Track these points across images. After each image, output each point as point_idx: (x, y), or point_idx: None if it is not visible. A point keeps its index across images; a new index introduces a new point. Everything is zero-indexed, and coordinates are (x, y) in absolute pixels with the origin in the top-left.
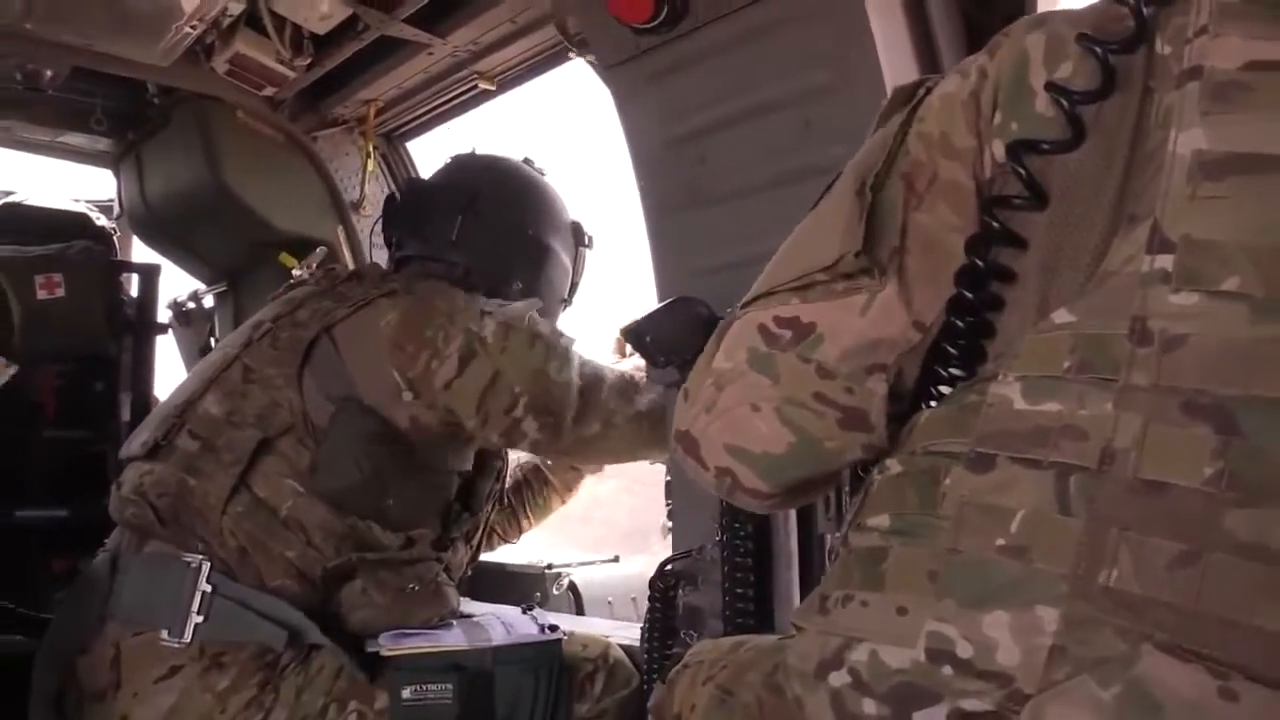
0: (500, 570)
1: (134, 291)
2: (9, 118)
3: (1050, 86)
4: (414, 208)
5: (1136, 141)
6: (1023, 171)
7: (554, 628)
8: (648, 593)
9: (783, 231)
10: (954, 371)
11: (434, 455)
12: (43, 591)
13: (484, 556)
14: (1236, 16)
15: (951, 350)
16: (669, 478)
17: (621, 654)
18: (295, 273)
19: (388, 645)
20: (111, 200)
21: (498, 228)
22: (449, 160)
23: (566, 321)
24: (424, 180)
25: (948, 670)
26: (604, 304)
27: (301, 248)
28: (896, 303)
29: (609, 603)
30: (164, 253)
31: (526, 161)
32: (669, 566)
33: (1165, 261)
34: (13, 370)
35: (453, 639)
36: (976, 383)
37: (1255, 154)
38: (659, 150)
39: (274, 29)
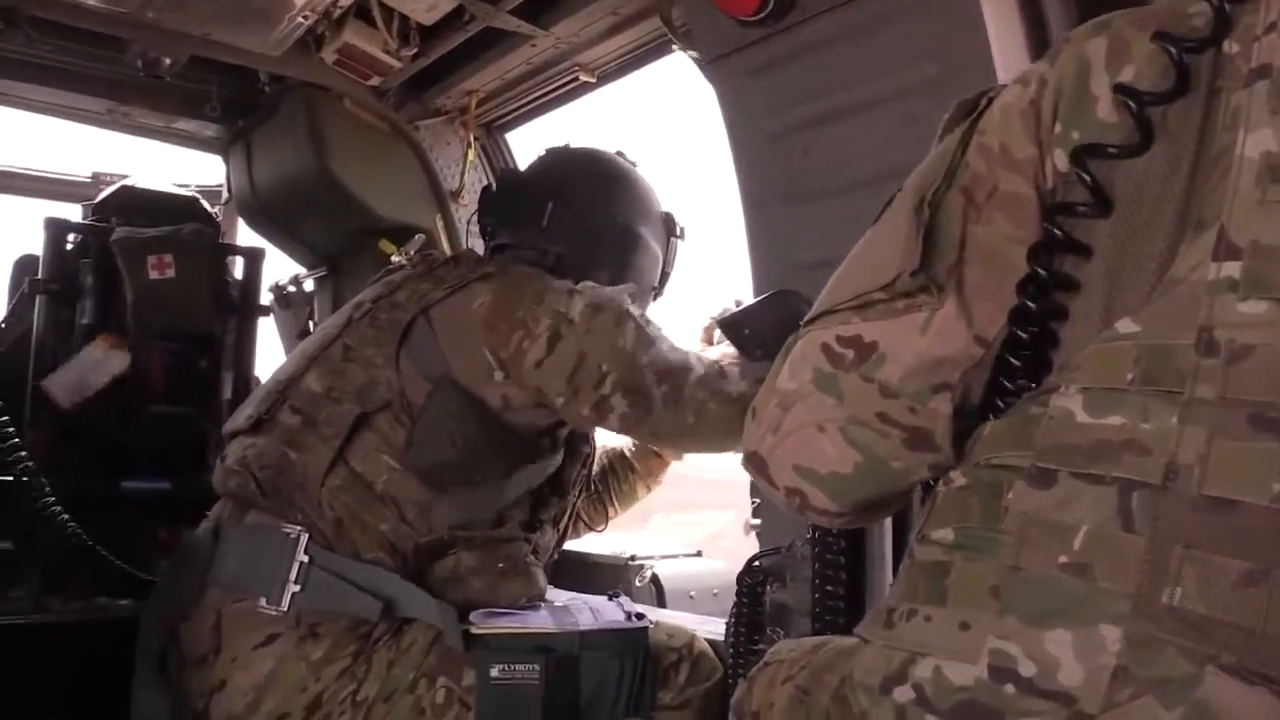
0: (584, 560)
1: (238, 274)
2: (129, 103)
3: (1119, 88)
4: (507, 198)
5: (1203, 144)
6: (1087, 177)
7: (640, 616)
8: (731, 588)
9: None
10: (1019, 383)
11: (525, 436)
12: (147, 560)
13: (568, 545)
14: None
15: (1015, 362)
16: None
17: (706, 646)
18: (394, 259)
19: (477, 624)
20: (218, 185)
21: (587, 216)
22: (543, 152)
23: (656, 311)
24: (517, 171)
25: (1010, 689)
26: (692, 295)
27: (400, 235)
28: (957, 319)
29: (691, 596)
30: (268, 237)
31: (619, 154)
32: (757, 562)
33: (1232, 269)
34: (126, 361)
35: (541, 621)
36: (1039, 394)
37: None
38: (761, 144)
39: (382, 20)
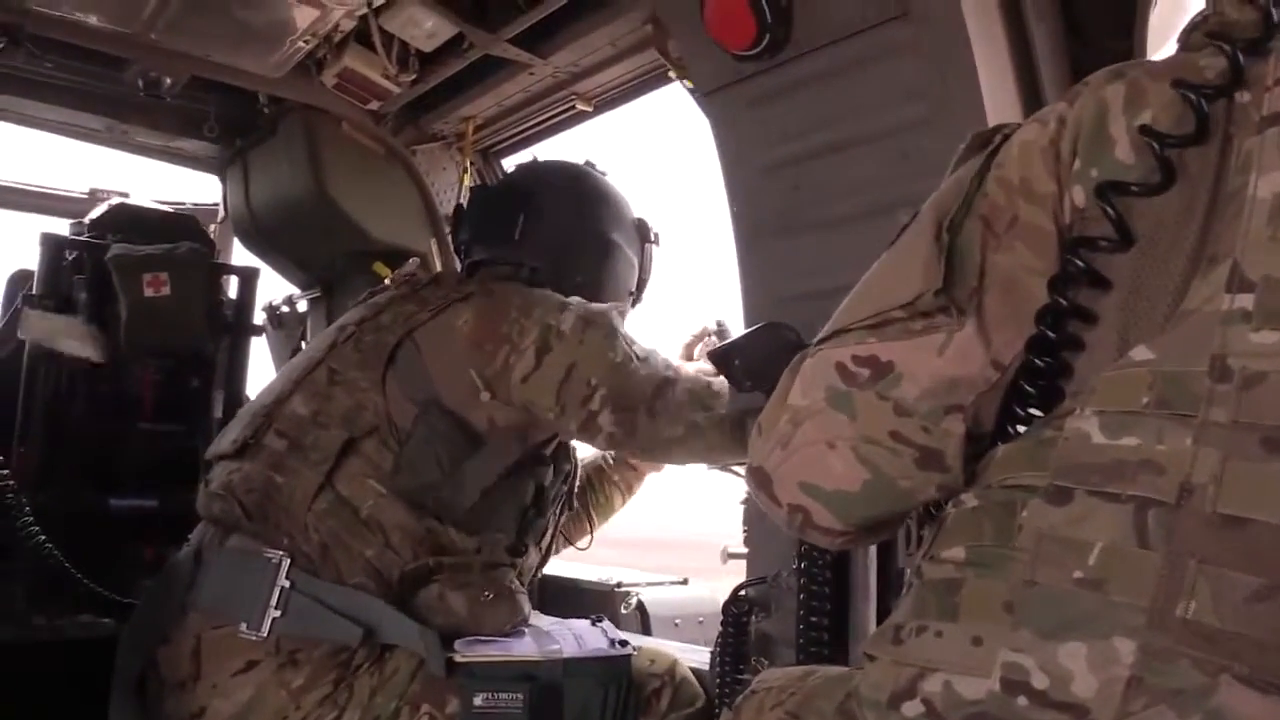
0: (570, 586)
1: (232, 293)
2: (128, 122)
3: (1144, 129)
4: (478, 213)
5: (1217, 186)
6: (1111, 212)
7: (624, 643)
8: (717, 616)
9: (875, 262)
10: (1032, 411)
11: (511, 458)
12: (132, 578)
13: (554, 571)
14: None
15: (1030, 389)
16: (745, 503)
17: (688, 672)
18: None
19: (461, 651)
20: (214, 204)
21: (558, 224)
22: (513, 168)
23: (635, 318)
24: (488, 187)
25: (1023, 701)
26: (672, 311)
27: (395, 258)
28: (975, 342)
29: (676, 624)
30: (263, 257)
31: (588, 164)
32: (743, 592)
33: (1245, 301)
34: (99, 358)
35: (525, 649)
36: (1054, 418)
37: None
38: (754, 176)
39: (382, 45)
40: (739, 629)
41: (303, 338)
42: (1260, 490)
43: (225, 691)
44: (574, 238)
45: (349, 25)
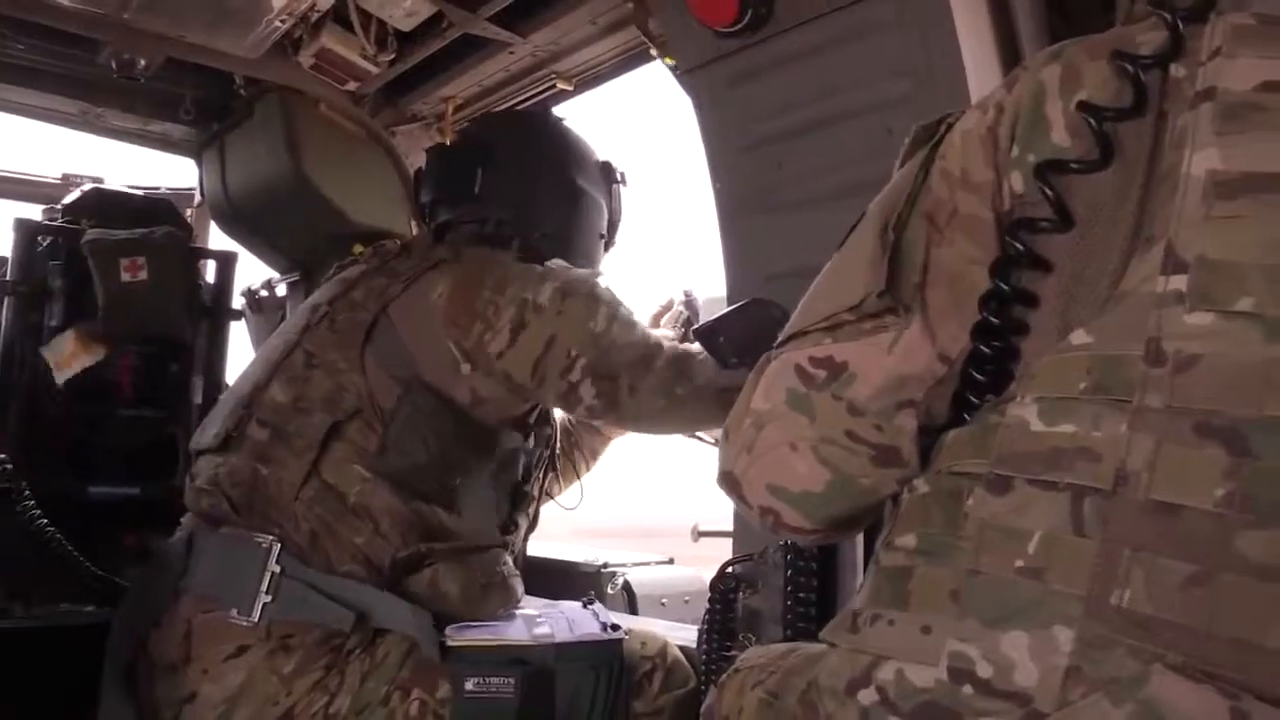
0: (556, 567)
1: (210, 278)
2: (101, 105)
3: (1081, 105)
4: (436, 173)
5: (1153, 164)
6: (1050, 192)
7: (615, 626)
8: (703, 594)
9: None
10: (985, 396)
11: (496, 429)
12: (113, 566)
13: (540, 552)
14: (1251, 37)
15: (979, 376)
16: None
17: (679, 654)
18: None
19: (452, 636)
20: (190, 189)
21: (518, 173)
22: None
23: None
24: (444, 146)
25: (968, 689)
26: (645, 280)
27: (375, 240)
28: (921, 338)
29: (662, 603)
30: (241, 241)
31: (546, 114)
32: (730, 569)
33: (1179, 282)
34: (99, 356)
35: (516, 633)
36: (999, 403)
37: (1269, 173)
38: (736, 154)
39: (360, 25)
40: (726, 606)
41: (281, 321)
42: (1192, 476)
43: (216, 676)
44: (536, 186)
45: (326, 4)
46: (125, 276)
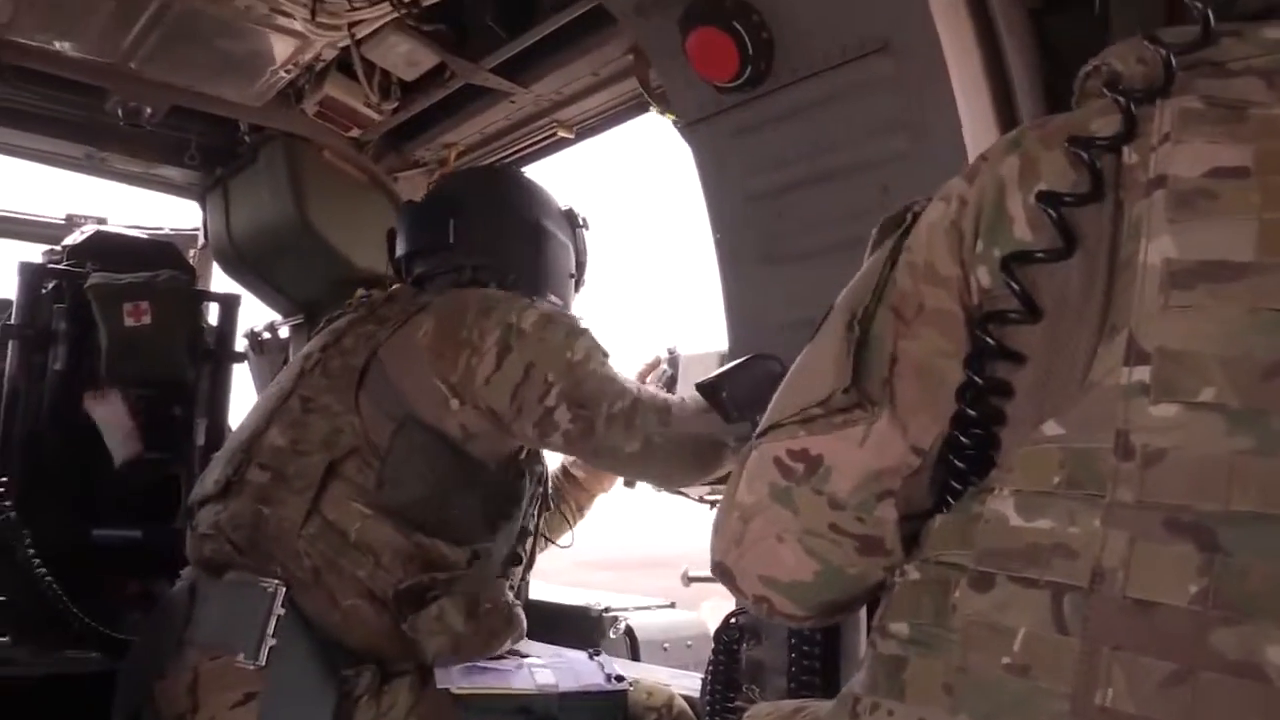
0: (557, 611)
1: (213, 320)
2: (107, 149)
3: (1040, 195)
4: (411, 227)
5: (1114, 254)
6: (1015, 286)
7: (620, 677)
8: (705, 639)
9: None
10: (968, 482)
11: (493, 465)
12: (115, 612)
13: (541, 596)
14: (1198, 122)
15: (960, 464)
16: None
17: (684, 705)
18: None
19: (458, 683)
20: (194, 230)
21: (488, 221)
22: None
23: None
24: (414, 202)
25: None
26: (633, 333)
27: (377, 284)
28: (891, 432)
29: (664, 648)
30: (244, 284)
31: (507, 168)
32: (734, 619)
33: (1143, 373)
34: (118, 399)
35: (521, 682)
36: (980, 492)
37: (1224, 261)
38: (737, 205)
39: (364, 74)
40: (730, 656)
41: (285, 364)
42: (1165, 573)
43: None
44: (505, 230)
45: (331, 55)
46: (129, 320)
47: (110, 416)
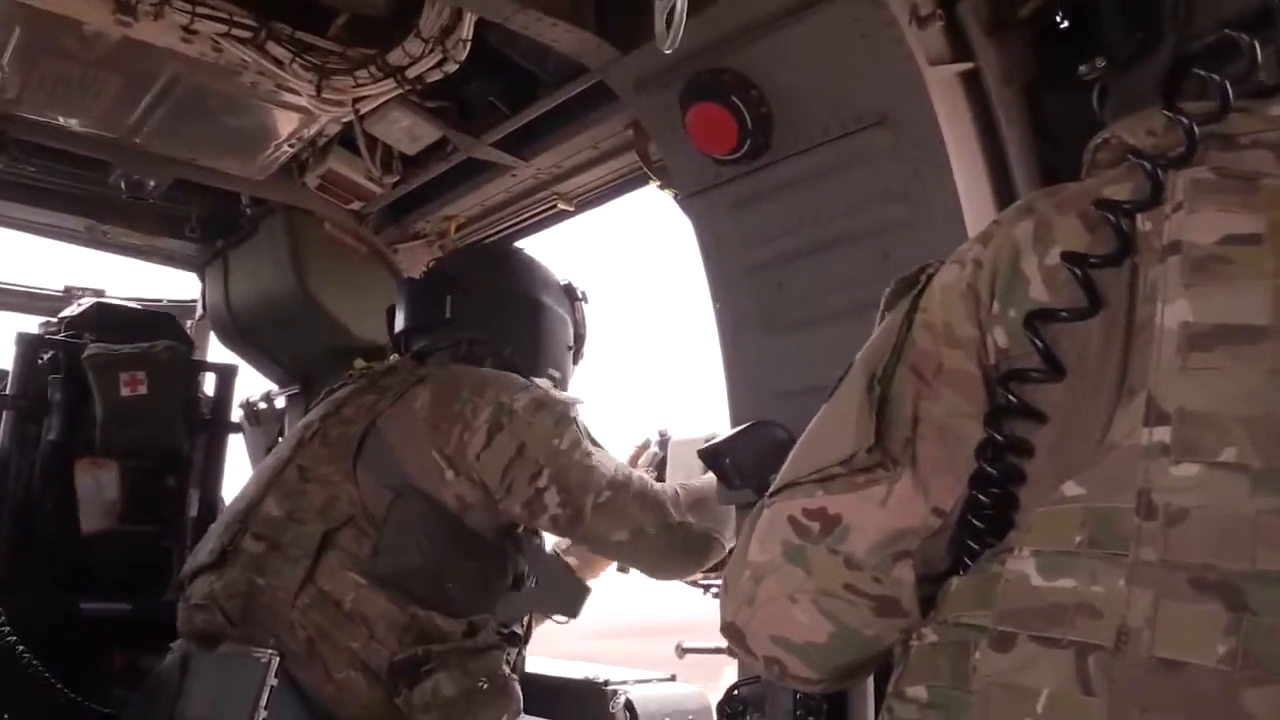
0: (555, 684)
1: (210, 390)
2: (107, 222)
3: (1065, 255)
4: (410, 304)
5: (1131, 316)
6: (1039, 343)
7: None
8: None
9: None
10: (986, 542)
11: (488, 534)
12: (103, 686)
13: (539, 669)
14: (1211, 192)
15: (979, 524)
16: None
17: None
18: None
19: None
20: (191, 300)
21: (485, 296)
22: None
23: (582, 377)
24: (414, 279)
25: None
26: (626, 413)
27: (376, 354)
28: (914, 492)
29: None
30: (241, 354)
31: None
32: (736, 691)
33: (1163, 434)
34: (114, 470)
35: None
36: (999, 552)
37: (1241, 325)
38: (737, 275)
39: (366, 149)
40: None
41: (281, 434)
42: (1193, 633)
43: None
44: (501, 305)
45: (334, 130)
46: (125, 391)
47: (95, 487)
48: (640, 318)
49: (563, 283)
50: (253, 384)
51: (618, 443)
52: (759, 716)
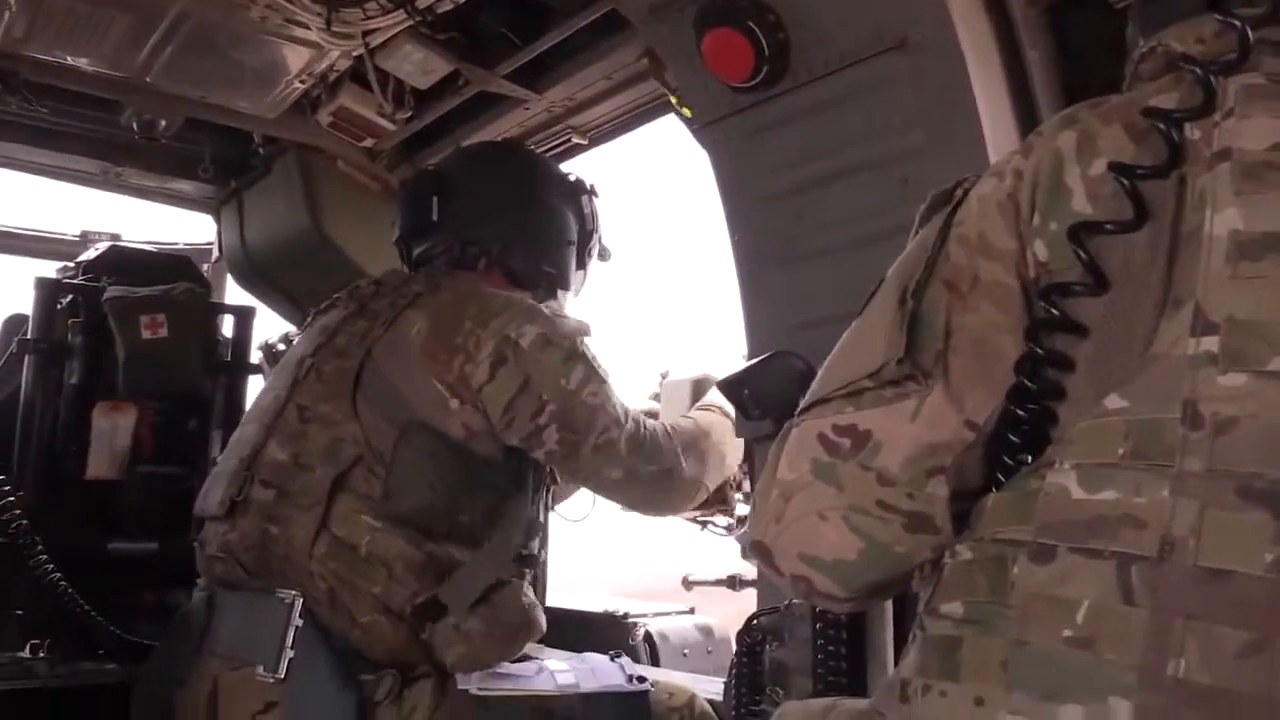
0: (577, 618)
1: (228, 332)
2: (121, 164)
3: (1113, 166)
4: (401, 211)
5: (1177, 226)
6: (1084, 255)
7: (641, 678)
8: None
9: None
10: (1020, 458)
11: (496, 457)
12: (132, 623)
13: (561, 604)
14: (1262, 97)
15: (1015, 439)
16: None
17: (706, 706)
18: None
19: (479, 685)
20: (207, 244)
21: (473, 194)
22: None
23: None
24: (408, 182)
25: None
26: (640, 346)
27: None
28: (946, 405)
29: (684, 654)
30: (258, 295)
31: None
32: (756, 621)
33: (1210, 343)
34: (134, 416)
35: (542, 684)
36: (1038, 467)
37: None
38: (754, 205)
39: (377, 84)
40: (753, 658)
41: None
42: (1240, 541)
43: None
44: (490, 201)
45: (344, 65)
46: (145, 334)
47: (110, 431)
48: (652, 254)
49: (566, 175)
50: (271, 326)
51: (626, 379)
52: (778, 646)
